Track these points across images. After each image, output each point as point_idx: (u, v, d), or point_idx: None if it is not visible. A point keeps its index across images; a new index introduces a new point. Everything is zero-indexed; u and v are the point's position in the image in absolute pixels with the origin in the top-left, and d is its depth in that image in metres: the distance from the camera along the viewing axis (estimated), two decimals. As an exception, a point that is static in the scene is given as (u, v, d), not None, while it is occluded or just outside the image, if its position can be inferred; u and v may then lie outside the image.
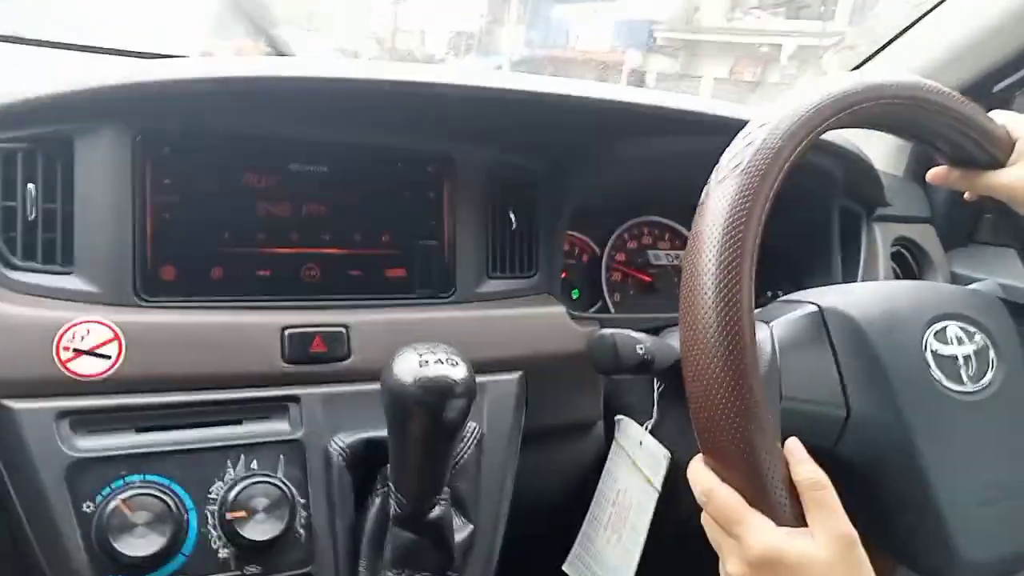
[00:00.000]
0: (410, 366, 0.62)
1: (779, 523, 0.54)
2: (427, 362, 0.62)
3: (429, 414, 0.62)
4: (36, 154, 0.70)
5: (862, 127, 0.69)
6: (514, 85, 0.85)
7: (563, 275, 1.01)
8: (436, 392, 0.61)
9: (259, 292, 0.78)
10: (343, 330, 0.78)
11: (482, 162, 0.89)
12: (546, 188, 0.95)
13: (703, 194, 0.59)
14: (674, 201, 1.10)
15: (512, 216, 0.91)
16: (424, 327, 0.82)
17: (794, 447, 0.58)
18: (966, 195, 0.80)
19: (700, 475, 0.58)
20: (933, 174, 0.79)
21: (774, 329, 0.73)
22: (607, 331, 0.76)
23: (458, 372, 0.63)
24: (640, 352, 0.76)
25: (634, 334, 0.77)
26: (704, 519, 0.59)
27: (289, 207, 0.80)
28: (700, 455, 0.59)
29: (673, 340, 0.82)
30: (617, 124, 0.93)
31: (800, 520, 0.55)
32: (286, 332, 0.75)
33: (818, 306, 0.74)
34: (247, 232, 0.79)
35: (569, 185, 0.95)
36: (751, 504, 0.55)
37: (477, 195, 0.89)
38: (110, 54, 1.03)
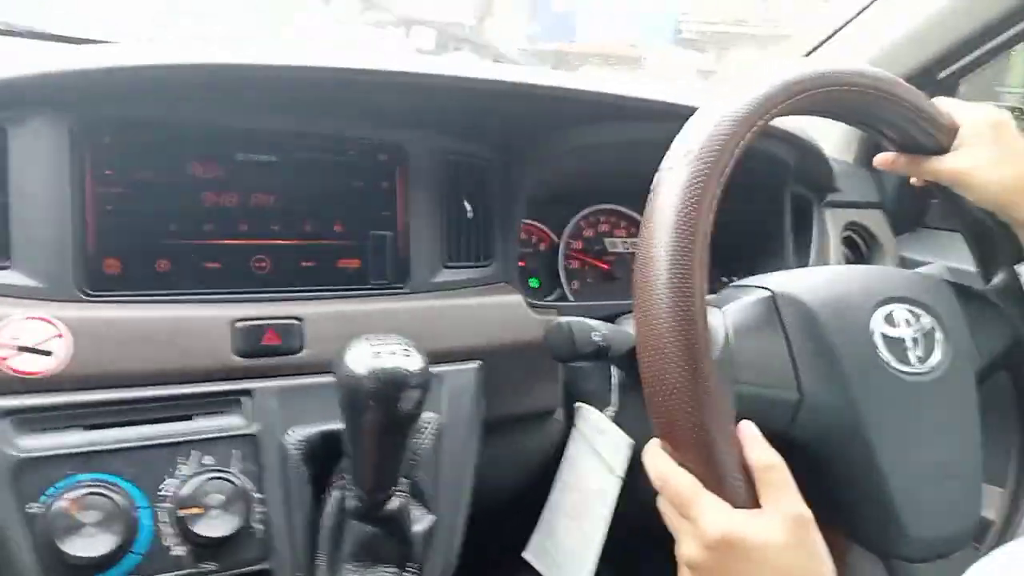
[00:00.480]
0: (363, 357, 0.61)
1: (734, 505, 0.55)
2: (380, 353, 0.62)
3: (383, 406, 0.61)
4: None
5: (810, 114, 0.69)
6: (461, 73, 0.84)
7: (520, 264, 1.01)
8: (390, 383, 0.61)
9: (208, 285, 0.76)
10: (296, 322, 0.77)
11: (435, 150, 0.88)
12: (500, 176, 0.94)
13: (655, 181, 0.59)
14: (629, 188, 1.09)
15: (467, 205, 0.91)
16: (379, 318, 0.81)
17: (747, 430, 0.59)
18: (912, 180, 0.81)
19: (655, 460, 0.59)
20: (880, 159, 0.81)
21: (727, 314, 0.73)
22: (563, 319, 0.76)
23: (412, 363, 0.62)
24: (596, 339, 0.76)
25: (590, 321, 0.77)
26: (660, 503, 0.60)
27: (237, 197, 0.78)
28: (655, 440, 0.59)
29: (629, 327, 0.82)
30: (566, 111, 0.93)
31: (755, 502, 0.56)
32: (237, 325, 0.74)
33: (770, 291, 0.75)
34: (194, 223, 0.77)
35: (523, 172, 0.95)
36: (706, 487, 0.56)
37: (430, 184, 0.88)
38: (51, 40, 1.00)
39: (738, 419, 0.60)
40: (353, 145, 0.84)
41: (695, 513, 0.56)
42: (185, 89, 0.75)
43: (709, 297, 0.60)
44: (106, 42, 0.86)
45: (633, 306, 0.58)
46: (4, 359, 0.65)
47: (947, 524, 0.72)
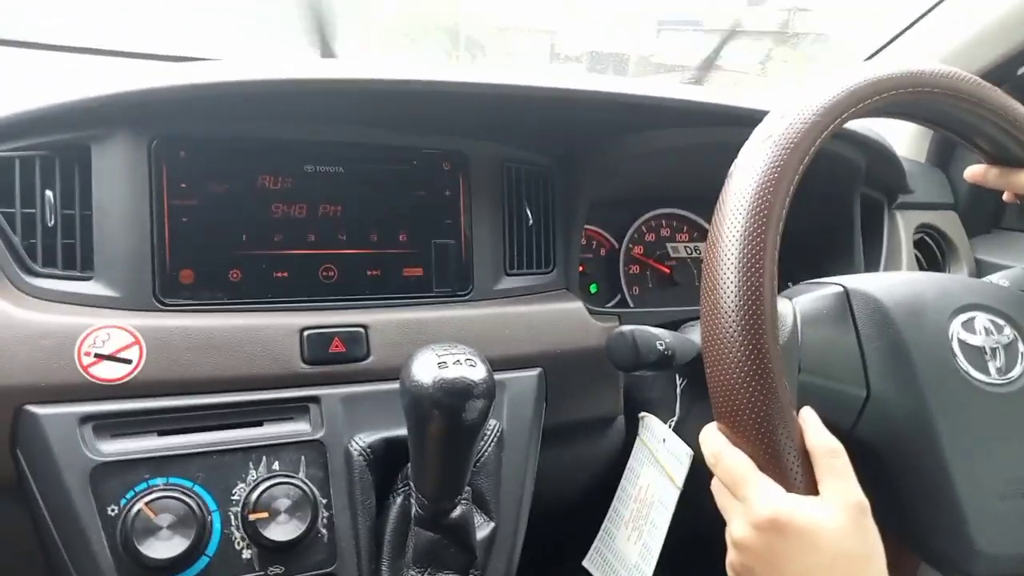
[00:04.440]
0: (429, 367, 0.62)
1: (789, 490, 0.54)
2: (445, 363, 0.62)
3: (449, 416, 0.61)
4: (54, 160, 0.71)
5: (894, 116, 0.67)
6: (521, 82, 0.84)
7: (581, 269, 1.01)
8: (455, 394, 0.61)
9: (277, 294, 0.78)
10: (362, 330, 0.78)
11: (496, 158, 0.89)
12: (561, 183, 0.94)
13: (733, 165, 0.59)
14: (692, 192, 1.09)
15: (528, 212, 0.91)
16: (442, 325, 0.81)
17: (808, 415, 0.58)
18: (1005, 195, 0.78)
19: (711, 438, 0.58)
20: (971, 173, 0.77)
21: (797, 304, 0.72)
22: (626, 327, 0.76)
23: (477, 373, 0.63)
24: (660, 348, 0.75)
25: (653, 330, 0.76)
26: (713, 484, 0.59)
27: (305, 208, 0.80)
28: (714, 421, 0.58)
29: (693, 335, 0.81)
30: (626, 118, 0.92)
31: (811, 490, 0.54)
32: (305, 333, 0.75)
33: (843, 286, 0.73)
34: (264, 234, 0.79)
35: (583, 179, 0.95)
36: (761, 469, 0.55)
37: (492, 191, 0.88)
38: (133, 58, 1.04)
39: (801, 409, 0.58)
40: (416, 155, 0.85)
41: (747, 492, 0.54)
42: (256, 104, 0.77)
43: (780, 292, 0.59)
44: (184, 59, 0.89)
45: (701, 287, 0.57)
46: (86, 367, 0.68)
47: (1019, 541, 0.69)
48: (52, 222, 0.71)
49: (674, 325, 0.87)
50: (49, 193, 0.71)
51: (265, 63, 0.76)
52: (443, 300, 0.85)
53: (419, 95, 0.81)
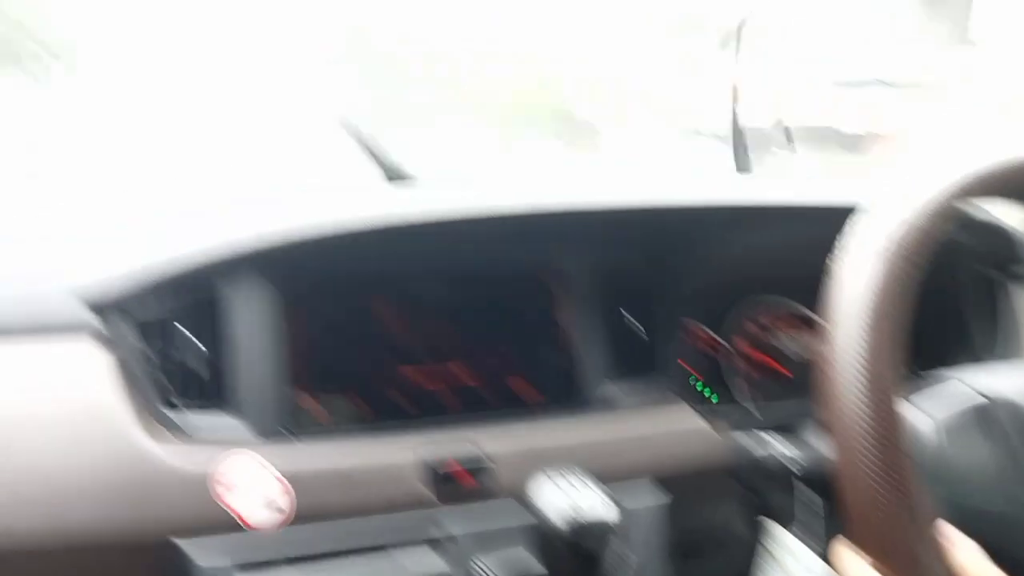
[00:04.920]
0: (554, 502, 0.62)
1: None
2: (570, 498, 0.62)
3: (578, 555, 0.61)
4: (193, 305, 0.76)
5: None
6: (614, 201, 0.86)
7: (685, 367, 1.00)
8: (581, 532, 0.61)
9: (395, 418, 0.81)
10: (477, 451, 0.79)
11: (593, 266, 0.90)
12: (660, 284, 0.94)
13: (837, 272, 0.57)
14: (798, 281, 1.06)
15: (628, 317, 0.91)
16: (555, 442, 0.82)
17: (947, 529, 0.55)
18: None
19: (847, 562, 0.55)
20: None
21: (928, 413, 0.69)
22: (745, 438, 0.74)
23: (601, 506, 0.63)
24: (782, 459, 0.74)
25: (774, 439, 0.75)
26: None
27: (416, 330, 0.84)
28: (847, 543, 0.56)
29: (815, 439, 0.79)
30: (723, 219, 0.93)
31: None
32: (423, 458, 0.77)
33: (985, 396, 0.70)
34: (379, 359, 0.82)
35: (683, 278, 0.95)
36: None
37: (591, 299, 0.89)
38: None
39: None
40: (514, 266, 0.88)
41: None
42: (374, 240, 0.81)
43: (904, 394, 0.57)
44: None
45: (820, 406, 0.55)
46: (222, 497, 0.71)
47: None
48: (190, 359, 0.75)
49: (793, 429, 0.84)
50: (187, 332, 0.75)
51: (386, 199, 0.80)
52: (553, 413, 0.85)
53: (520, 219, 0.84)
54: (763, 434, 0.74)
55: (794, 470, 0.71)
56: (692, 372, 1.05)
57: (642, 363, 0.92)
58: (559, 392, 0.87)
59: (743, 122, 1.16)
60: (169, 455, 0.71)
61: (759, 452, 0.73)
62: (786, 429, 0.79)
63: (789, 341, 1.09)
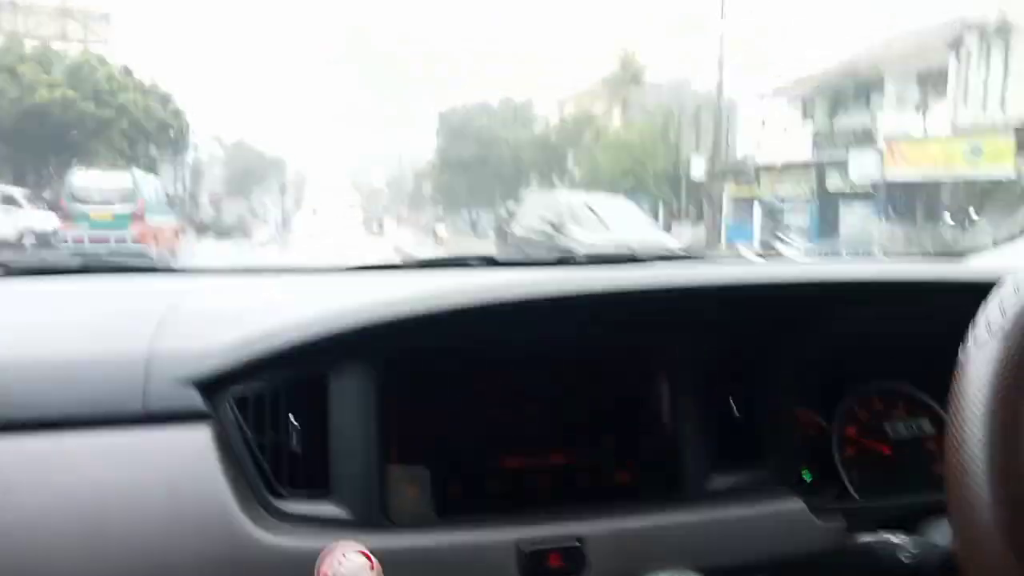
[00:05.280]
0: None
1: None
2: None
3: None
4: (297, 389, 0.78)
5: None
6: (729, 280, 0.85)
7: (792, 457, 0.96)
8: None
9: (493, 507, 0.80)
10: (577, 543, 0.77)
11: (698, 353, 0.88)
12: (764, 370, 0.92)
13: (961, 359, 0.54)
14: (908, 363, 1.02)
15: (733, 404, 0.89)
16: (658, 534, 0.79)
17: None
18: None
19: None
20: None
21: None
22: (862, 537, 0.70)
23: None
24: (905, 560, 0.69)
25: (893, 538, 0.70)
26: None
27: (517, 417, 0.83)
28: None
29: (937, 534, 0.74)
30: (831, 298, 0.90)
31: None
32: (521, 549, 0.76)
33: None
34: (479, 446, 0.82)
35: (788, 362, 0.92)
36: None
37: (696, 387, 0.87)
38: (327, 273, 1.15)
39: None
40: (618, 353, 0.87)
41: None
42: (476, 319, 0.82)
43: None
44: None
45: (947, 506, 0.52)
46: (325, 589, 0.71)
47: None
48: (295, 446, 0.77)
49: (909, 521, 0.79)
50: (293, 420, 0.78)
51: (483, 280, 0.81)
52: (655, 505, 0.83)
53: (626, 299, 0.84)
54: (883, 536, 0.70)
55: (907, 561, 0.67)
56: (798, 460, 1.00)
57: (747, 450, 0.88)
58: (661, 481, 0.84)
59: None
60: (272, 540, 0.72)
61: (869, 543, 0.69)
62: (898, 518, 0.74)
63: (902, 426, 1.04)
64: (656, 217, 17.03)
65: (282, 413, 0.77)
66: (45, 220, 11.46)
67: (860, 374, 1.05)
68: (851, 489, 0.99)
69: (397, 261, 1.26)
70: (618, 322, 0.86)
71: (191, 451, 0.72)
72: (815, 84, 15.94)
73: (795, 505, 0.84)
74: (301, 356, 0.77)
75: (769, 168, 16.73)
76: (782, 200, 16.10)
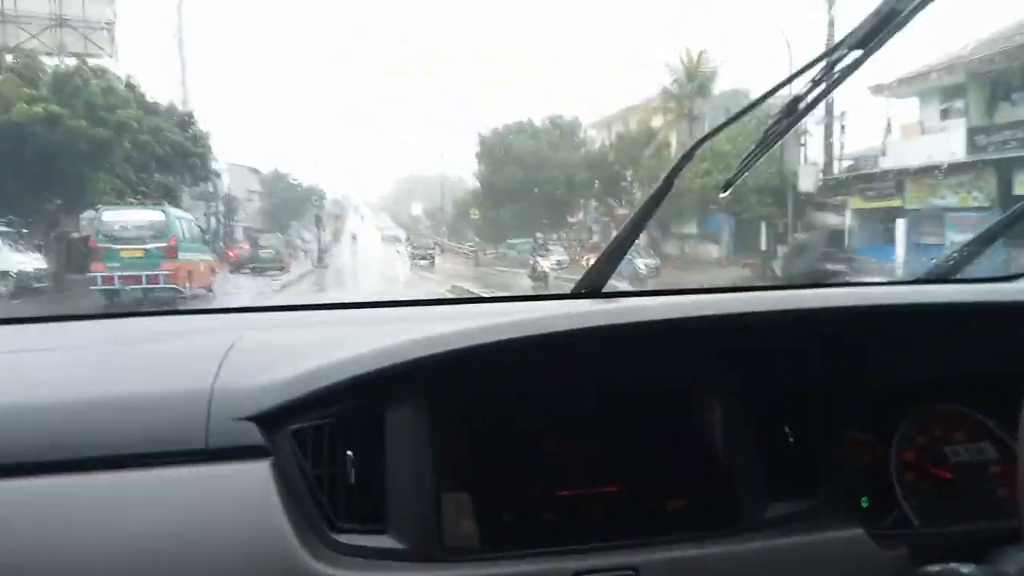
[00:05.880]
0: None
1: None
2: None
3: None
4: (354, 425, 0.79)
5: None
6: (774, 304, 0.84)
7: (851, 485, 0.94)
8: None
9: (548, 538, 0.80)
10: (631, 573, 0.77)
11: (751, 382, 0.87)
12: (820, 395, 0.90)
13: None
14: (968, 384, 1.00)
15: (788, 432, 0.87)
16: (713, 564, 0.78)
17: None
18: None
19: None
20: None
21: None
22: (929, 568, 0.68)
23: None
24: None
25: (963, 567, 0.68)
26: None
27: (569, 449, 0.83)
28: None
29: (1010, 563, 0.71)
30: (896, 323, 0.89)
31: None
32: None
33: None
34: (532, 479, 0.82)
35: (843, 387, 0.90)
36: None
37: (750, 415, 0.86)
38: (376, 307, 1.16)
39: None
40: (671, 382, 0.87)
41: None
42: (531, 352, 0.83)
43: None
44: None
45: (1022, 531, 0.50)
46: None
47: None
48: (352, 479, 0.78)
49: (976, 549, 0.77)
50: (350, 453, 0.78)
51: (533, 315, 0.82)
52: (710, 533, 0.82)
53: (678, 329, 0.83)
54: (936, 553, 0.68)
55: None
56: (857, 488, 0.98)
57: (803, 478, 0.87)
58: (715, 510, 0.84)
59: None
60: (330, 573, 0.73)
61: (936, 572, 0.67)
62: (963, 546, 0.72)
63: (962, 450, 1.01)
64: (759, 238, 14.51)
65: (339, 447, 0.78)
66: (20, 261, 9.73)
67: (915, 396, 1.02)
68: (911, 516, 0.96)
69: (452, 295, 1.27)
70: (670, 350, 0.86)
71: (252, 486, 0.73)
72: (965, 69, 11.98)
73: (856, 533, 0.82)
74: (359, 391, 0.78)
75: (916, 173, 12.54)
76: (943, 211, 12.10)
